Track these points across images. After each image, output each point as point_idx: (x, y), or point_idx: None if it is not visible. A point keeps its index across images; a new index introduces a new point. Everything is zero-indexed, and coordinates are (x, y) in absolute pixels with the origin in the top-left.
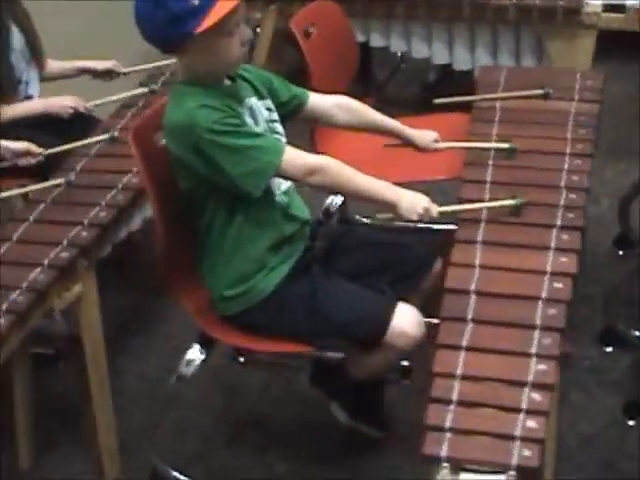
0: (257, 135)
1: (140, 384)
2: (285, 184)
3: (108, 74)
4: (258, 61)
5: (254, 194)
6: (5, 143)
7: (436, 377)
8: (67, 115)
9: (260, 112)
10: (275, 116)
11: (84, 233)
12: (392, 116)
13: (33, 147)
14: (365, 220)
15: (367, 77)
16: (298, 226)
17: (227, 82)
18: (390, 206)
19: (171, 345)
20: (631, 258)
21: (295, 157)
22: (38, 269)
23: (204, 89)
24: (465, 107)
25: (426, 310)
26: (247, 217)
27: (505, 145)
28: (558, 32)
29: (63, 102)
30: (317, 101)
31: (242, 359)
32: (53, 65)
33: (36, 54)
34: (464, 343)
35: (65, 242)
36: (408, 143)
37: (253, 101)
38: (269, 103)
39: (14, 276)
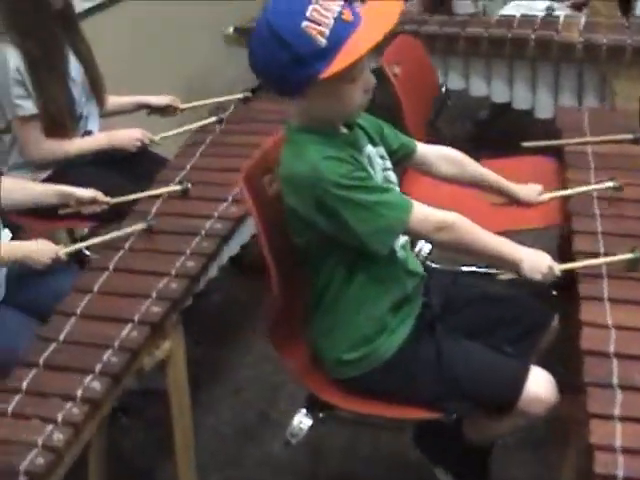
0: (385, 190)
1: (215, 440)
2: (403, 238)
3: (166, 110)
4: None
5: (381, 252)
6: (70, 190)
7: (596, 450)
8: (134, 149)
9: (376, 160)
10: (388, 164)
11: (173, 285)
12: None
13: (100, 195)
14: (466, 269)
15: None
16: (417, 281)
17: (344, 130)
18: (512, 266)
19: (242, 398)
20: None
21: (424, 213)
22: (129, 325)
23: (325, 138)
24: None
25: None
26: (369, 275)
27: (610, 184)
28: (625, 71)
29: (130, 134)
30: (424, 151)
31: (321, 415)
32: (110, 100)
33: (96, 88)
34: (617, 412)
35: (154, 294)
36: (513, 200)
37: (369, 149)
38: (382, 151)
39: (104, 333)
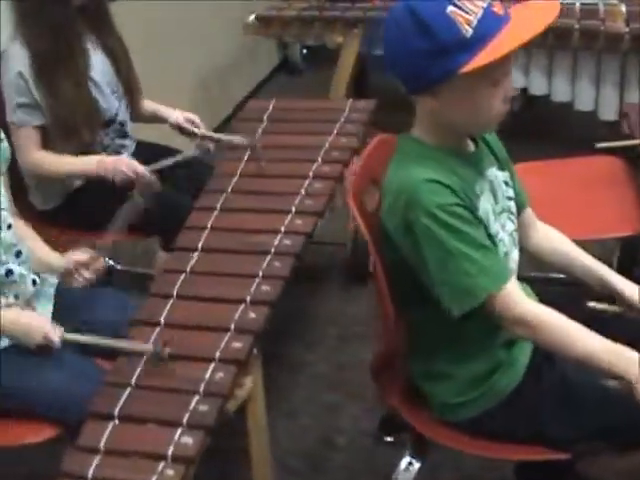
0: (484, 247)
1: (286, 475)
2: (513, 264)
3: (184, 130)
4: (336, 93)
5: (450, 312)
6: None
7: None
8: (119, 181)
9: (500, 187)
10: (511, 192)
11: (251, 314)
12: None
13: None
14: None
15: None
16: None
17: (470, 146)
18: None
19: (300, 423)
20: None
21: (513, 296)
22: (211, 365)
23: (442, 153)
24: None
25: None
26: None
27: None
28: None
29: (116, 164)
30: (531, 216)
31: (389, 439)
32: (148, 106)
33: (129, 90)
34: None
35: (233, 326)
36: (614, 299)
37: (494, 172)
38: (507, 176)
39: (185, 376)
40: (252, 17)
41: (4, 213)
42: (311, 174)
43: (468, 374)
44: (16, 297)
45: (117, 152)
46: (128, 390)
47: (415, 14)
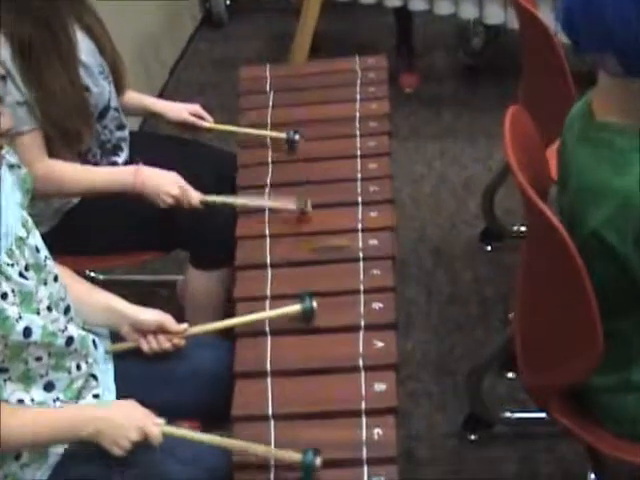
0: None
1: None
2: None
3: (185, 126)
4: (300, 52)
5: None
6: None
7: None
8: (164, 205)
9: None
10: None
11: (378, 343)
12: None
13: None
14: None
15: (407, 48)
16: None
17: None
18: None
19: None
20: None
21: None
22: None
23: None
24: None
25: None
26: None
27: None
28: None
29: (163, 184)
30: None
31: (473, 437)
32: (131, 96)
33: (115, 73)
34: None
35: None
36: None
37: None
38: None
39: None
40: None
41: (49, 263)
42: (358, 153)
43: None
44: (78, 368)
45: (117, 147)
46: None
47: None
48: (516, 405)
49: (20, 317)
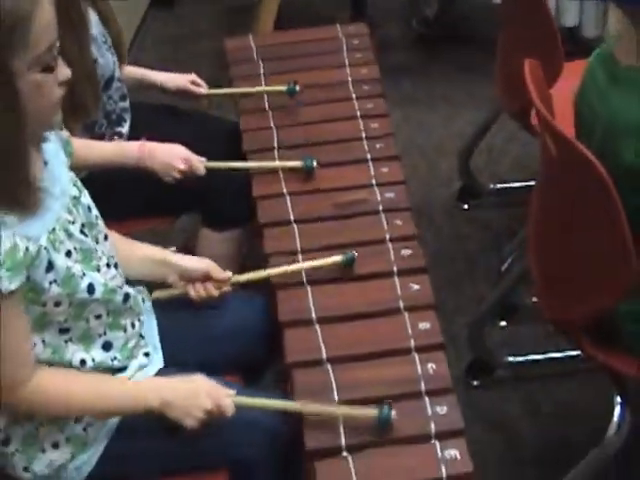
0: None
1: None
2: None
3: (184, 94)
4: (266, 25)
5: None
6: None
7: None
8: (171, 180)
9: None
10: None
11: (414, 286)
12: None
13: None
14: None
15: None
16: None
17: None
18: None
19: None
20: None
21: None
22: None
23: None
24: None
25: None
26: None
27: None
28: None
29: (169, 158)
30: None
31: (476, 382)
32: (127, 69)
33: (117, 44)
34: None
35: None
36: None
37: None
38: None
39: None
40: None
41: (100, 222)
42: (359, 114)
43: None
44: (132, 326)
45: (121, 117)
46: None
47: None
48: (512, 351)
49: (84, 274)
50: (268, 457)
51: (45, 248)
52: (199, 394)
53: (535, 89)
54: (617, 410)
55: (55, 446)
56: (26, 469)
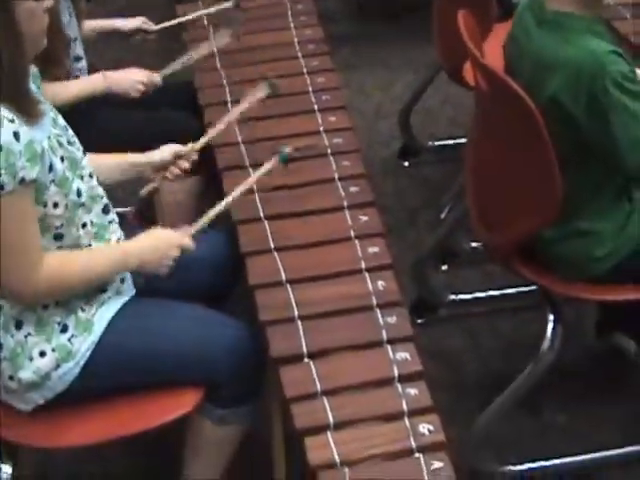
0: None
1: None
2: None
3: (138, 33)
4: None
5: (628, 169)
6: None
7: None
8: (137, 93)
9: None
10: None
11: (363, 217)
12: None
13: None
14: None
15: None
16: None
17: None
18: None
19: None
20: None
21: None
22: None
23: (602, 26)
24: None
25: None
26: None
27: None
28: None
29: (130, 76)
30: None
31: (420, 320)
32: (86, 24)
33: (75, 4)
34: None
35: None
36: None
37: None
38: None
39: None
40: None
41: (75, 140)
42: (305, 70)
43: (609, 227)
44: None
45: (77, 78)
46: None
47: None
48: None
49: (73, 179)
50: (237, 370)
51: (47, 150)
52: (166, 246)
53: (468, 35)
54: (550, 326)
55: (42, 354)
56: (11, 378)
